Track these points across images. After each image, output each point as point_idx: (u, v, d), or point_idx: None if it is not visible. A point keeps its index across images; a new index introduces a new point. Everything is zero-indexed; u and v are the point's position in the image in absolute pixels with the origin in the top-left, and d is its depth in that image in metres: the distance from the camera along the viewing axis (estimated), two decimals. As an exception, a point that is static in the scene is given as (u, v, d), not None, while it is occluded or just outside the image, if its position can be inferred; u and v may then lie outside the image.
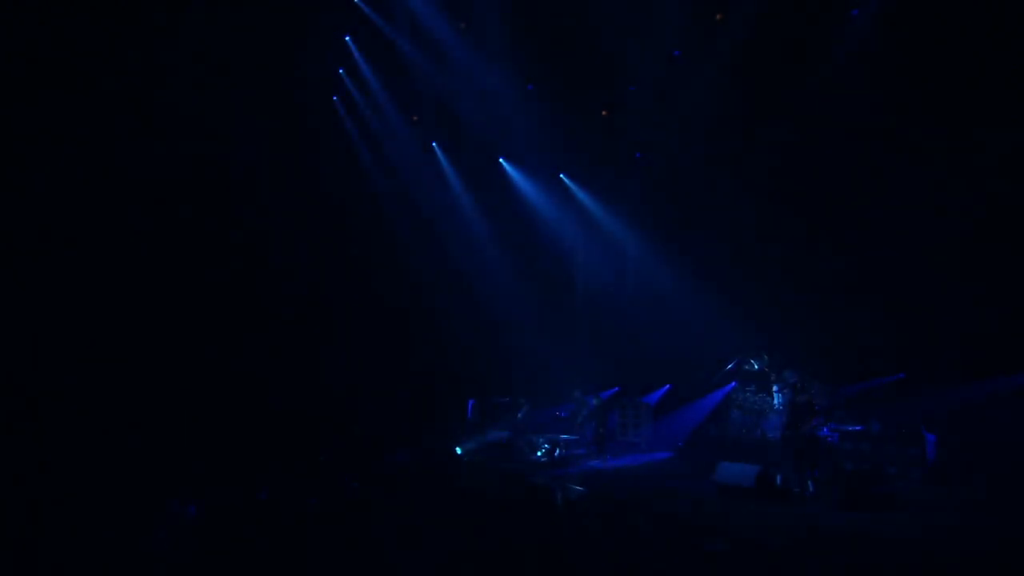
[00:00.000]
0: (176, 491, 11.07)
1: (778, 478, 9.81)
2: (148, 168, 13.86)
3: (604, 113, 15.69)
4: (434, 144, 17.21)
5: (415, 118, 16.67)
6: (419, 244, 17.47)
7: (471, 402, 15.55)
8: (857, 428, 11.51)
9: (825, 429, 11.84)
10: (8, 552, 9.44)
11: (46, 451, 12.02)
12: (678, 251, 15.58)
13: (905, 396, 12.24)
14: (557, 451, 12.77)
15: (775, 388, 12.58)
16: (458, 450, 14.00)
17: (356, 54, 15.89)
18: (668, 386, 15.97)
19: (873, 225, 13.05)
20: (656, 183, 15.92)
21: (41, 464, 11.66)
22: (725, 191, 14.81)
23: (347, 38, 15.76)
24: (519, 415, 14.67)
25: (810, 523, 8.55)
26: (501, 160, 17.22)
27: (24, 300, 12.71)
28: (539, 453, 12.94)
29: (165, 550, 10.04)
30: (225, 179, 14.94)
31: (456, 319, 17.16)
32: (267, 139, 14.96)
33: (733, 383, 13.97)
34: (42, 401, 12.53)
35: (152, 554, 9.78)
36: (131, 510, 10.55)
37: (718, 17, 13.63)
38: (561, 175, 17.10)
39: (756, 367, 13.27)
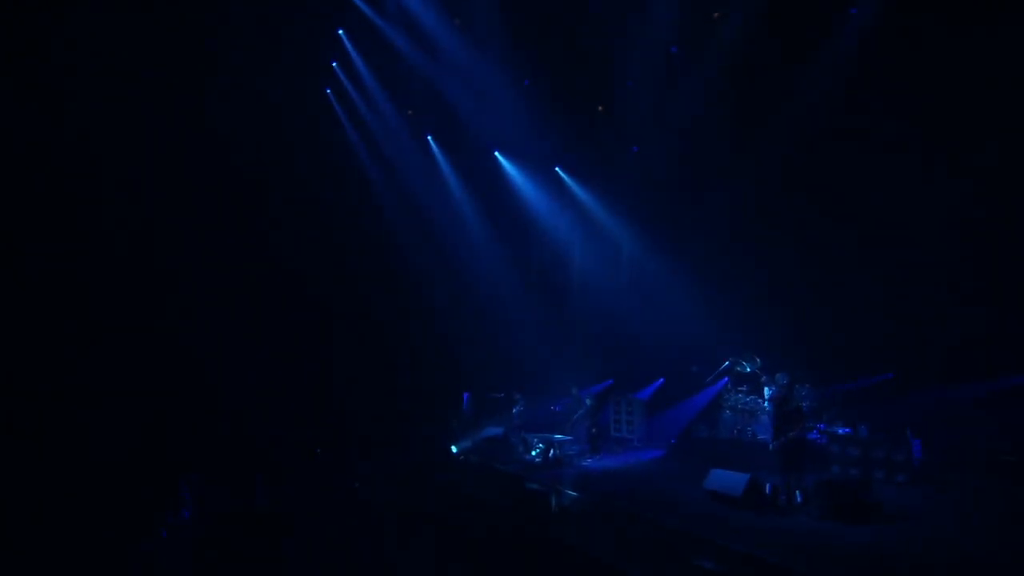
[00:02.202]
0: (174, 491, 11.27)
1: (767, 487, 9.99)
2: (141, 162, 13.79)
3: (600, 109, 15.59)
4: (429, 138, 17.10)
5: (410, 112, 16.51)
6: (413, 237, 17.46)
7: (466, 395, 15.71)
8: (846, 431, 11.70)
9: (814, 432, 12.05)
10: (8, 552, 9.64)
11: (46, 451, 12.17)
12: (675, 248, 15.61)
13: (893, 397, 12.39)
14: (552, 452, 12.90)
15: (766, 391, 12.70)
16: (454, 448, 14.19)
17: (349, 47, 15.67)
18: (661, 380, 16.11)
19: (865, 226, 13.09)
20: (652, 179, 15.87)
21: (41, 464, 11.82)
22: (721, 189, 14.82)
23: (340, 31, 15.52)
24: (514, 411, 14.78)
25: (796, 534, 8.73)
26: (496, 154, 17.13)
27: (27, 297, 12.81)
28: (534, 453, 13.08)
29: (164, 551, 10.25)
30: (218, 172, 14.84)
31: (450, 312, 17.24)
32: (260, 132, 14.83)
33: (725, 380, 14.10)
34: (42, 401, 12.66)
35: (151, 555, 10.00)
36: (130, 512, 10.74)
37: (715, 15, 13.51)
38: (557, 169, 17.04)
39: (748, 369, 13.37)
